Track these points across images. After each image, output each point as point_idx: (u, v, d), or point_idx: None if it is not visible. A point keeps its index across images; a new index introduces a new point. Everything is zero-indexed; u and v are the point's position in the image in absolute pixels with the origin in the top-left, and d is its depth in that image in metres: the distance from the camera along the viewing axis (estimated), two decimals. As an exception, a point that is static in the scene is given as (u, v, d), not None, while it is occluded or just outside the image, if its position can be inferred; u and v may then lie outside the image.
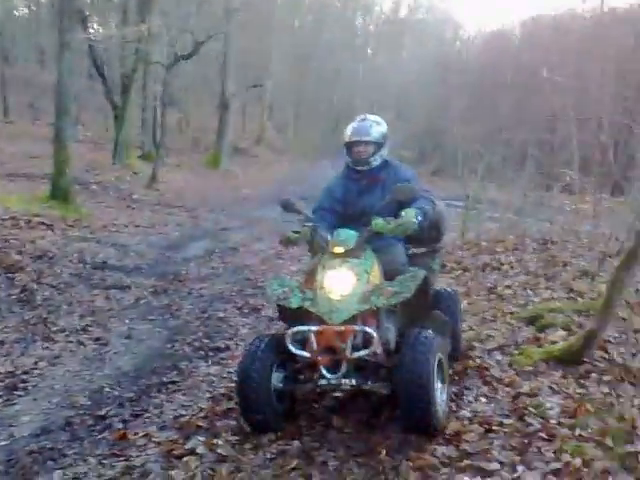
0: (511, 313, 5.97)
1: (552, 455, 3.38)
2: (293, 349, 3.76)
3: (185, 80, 32.49)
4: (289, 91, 45.42)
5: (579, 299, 6.15)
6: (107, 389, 4.92)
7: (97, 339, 6.06)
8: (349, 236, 3.96)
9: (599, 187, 7.73)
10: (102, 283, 7.90)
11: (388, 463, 3.49)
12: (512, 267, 7.68)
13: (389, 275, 3.99)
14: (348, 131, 4.35)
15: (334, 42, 49.10)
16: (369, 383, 3.81)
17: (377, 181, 4.36)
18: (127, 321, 6.59)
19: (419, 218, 3.96)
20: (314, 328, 3.74)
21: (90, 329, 6.32)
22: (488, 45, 48.05)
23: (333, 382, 3.75)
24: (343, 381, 3.74)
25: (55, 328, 6.27)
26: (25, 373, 5.21)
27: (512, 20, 55.18)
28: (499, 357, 4.90)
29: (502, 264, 7.84)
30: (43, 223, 10.55)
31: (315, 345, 3.71)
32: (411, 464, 3.45)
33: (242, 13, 25.44)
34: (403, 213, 3.95)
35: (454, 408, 4.07)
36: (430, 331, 3.86)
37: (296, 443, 3.78)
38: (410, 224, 3.92)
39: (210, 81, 33.63)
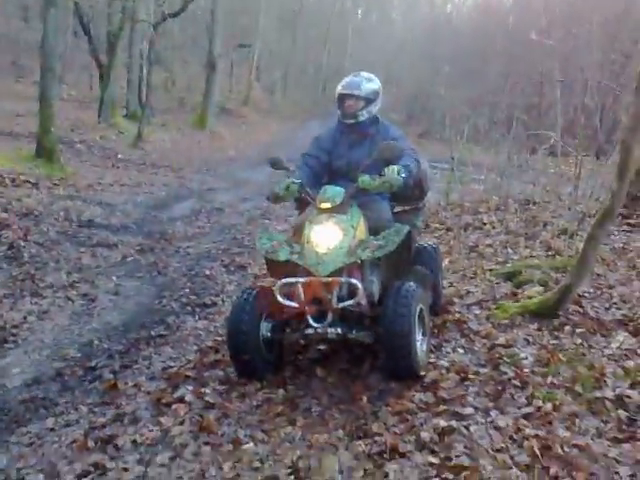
0: (490, 270, 6.12)
1: (524, 401, 3.55)
2: (282, 300, 3.90)
3: (172, 39, 32.10)
4: (277, 52, 44.93)
5: (557, 257, 6.31)
6: (96, 342, 5.04)
7: (85, 295, 6.14)
8: (335, 192, 4.08)
9: (583, 150, 7.81)
10: (88, 241, 7.94)
11: (368, 409, 3.65)
12: (494, 227, 7.83)
13: (374, 231, 4.12)
14: (340, 84, 4.47)
15: (323, 3, 48.47)
16: (354, 332, 3.98)
17: (366, 136, 4.46)
18: (114, 278, 6.67)
19: (403, 175, 4.05)
20: (302, 280, 3.87)
21: (77, 285, 6.39)
22: (479, 8, 47.61)
23: (320, 331, 3.91)
24: (329, 330, 3.91)
25: (43, 284, 6.33)
26: (14, 327, 5.30)
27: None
28: (477, 311, 5.06)
29: (484, 224, 7.98)
30: (28, 181, 10.54)
31: (302, 296, 3.86)
32: (390, 409, 3.61)
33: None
34: (388, 170, 4.06)
35: (433, 359, 4.23)
36: (412, 283, 4.00)
37: (281, 391, 3.93)
38: (394, 181, 4.02)
39: (197, 40, 33.25)
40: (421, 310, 3.96)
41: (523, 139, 10.72)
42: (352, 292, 3.86)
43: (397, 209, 4.79)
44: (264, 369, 4.10)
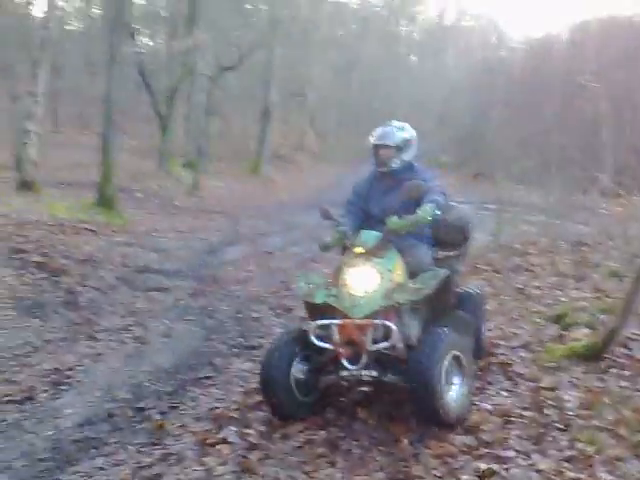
0: (538, 312, 6.06)
1: (566, 443, 3.52)
2: (316, 341, 4.02)
3: (229, 90, 33.07)
4: (331, 98, 45.66)
5: (606, 298, 6.20)
6: (146, 384, 5.17)
7: (137, 338, 6.32)
8: (369, 237, 4.21)
9: (635, 191, 7.73)
10: (143, 285, 8.20)
11: (409, 451, 3.66)
12: (543, 269, 7.75)
13: (414, 275, 4.18)
14: (372, 135, 4.64)
15: (377, 51, 49.19)
16: (389, 375, 4.01)
17: (399, 183, 4.52)
18: (166, 321, 6.86)
19: (436, 212, 4.21)
20: (336, 321, 3.99)
21: (131, 328, 6.59)
22: (533, 51, 47.52)
23: (354, 373, 3.97)
24: (363, 372, 3.96)
25: (98, 328, 6.56)
26: (69, 369, 5.45)
27: (560, 25, 54.45)
28: (523, 354, 5.03)
29: (533, 265, 7.91)
30: (88, 229, 10.97)
31: (337, 337, 3.96)
32: (431, 452, 3.61)
33: (286, 25, 25.79)
34: (419, 211, 4.18)
35: (476, 401, 4.21)
36: (446, 329, 4.03)
37: (322, 433, 3.98)
38: (422, 219, 4.17)
39: (253, 90, 34.15)
40: (456, 356, 3.94)
41: (574, 180, 10.63)
42: (387, 334, 3.93)
43: (440, 255, 4.81)
44: (297, 411, 4.15)
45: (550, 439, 3.60)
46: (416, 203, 4.28)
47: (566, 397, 4.06)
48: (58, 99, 30.86)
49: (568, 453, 3.41)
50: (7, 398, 4.79)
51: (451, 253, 4.88)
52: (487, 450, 3.56)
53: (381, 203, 4.59)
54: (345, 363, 3.97)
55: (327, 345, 4.01)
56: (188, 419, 4.44)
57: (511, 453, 3.50)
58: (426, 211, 4.17)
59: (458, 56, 59.28)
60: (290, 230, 13.89)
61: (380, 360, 4.02)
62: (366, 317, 3.94)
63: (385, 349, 3.94)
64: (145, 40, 36.26)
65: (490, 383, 4.55)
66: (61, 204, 12.86)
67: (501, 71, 44.47)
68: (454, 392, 3.89)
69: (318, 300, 4.14)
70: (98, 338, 6.28)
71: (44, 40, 13.95)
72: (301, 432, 4.01)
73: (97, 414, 4.62)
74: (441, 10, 59.63)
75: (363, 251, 4.14)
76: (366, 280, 4.05)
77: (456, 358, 3.93)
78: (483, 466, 3.36)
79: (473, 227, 5.08)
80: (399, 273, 4.16)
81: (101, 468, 3.86)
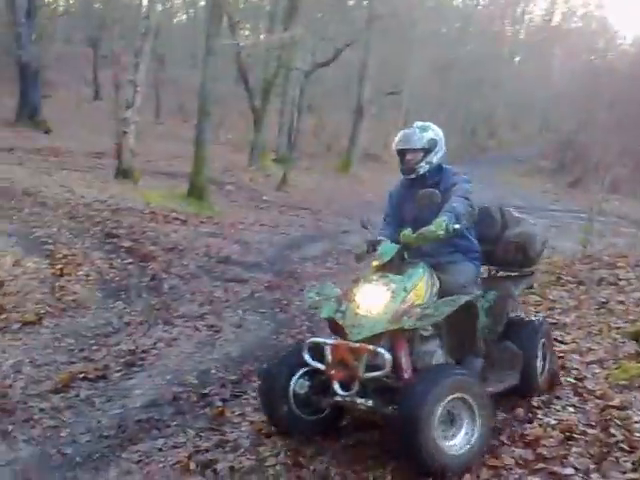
0: (618, 328, 5.80)
1: (630, 465, 3.39)
2: (309, 359, 3.78)
3: (323, 86, 33.32)
4: (427, 96, 45.10)
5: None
6: (213, 371, 5.31)
7: (211, 326, 6.49)
8: (388, 250, 3.92)
9: None
10: (223, 276, 8.40)
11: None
12: (630, 283, 7.37)
13: (449, 295, 3.82)
14: (395, 140, 4.27)
15: (478, 51, 48.13)
16: (390, 409, 3.61)
17: (429, 188, 4.15)
18: (240, 312, 7.00)
19: (450, 224, 3.78)
20: (329, 341, 3.75)
21: (206, 317, 6.77)
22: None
23: (347, 400, 3.68)
24: (358, 400, 3.66)
25: (176, 314, 6.78)
26: (144, 352, 5.70)
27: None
28: (596, 370, 4.85)
29: (619, 280, 7.55)
30: (178, 218, 11.40)
31: (330, 358, 3.68)
32: (485, 463, 3.54)
33: (384, 20, 25.62)
34: (432, 224, 3.81)
35: (540, 415, 4.09)
36: (455, 364, 3.83)
37: (376, 433, 3.97)
38: (431, 233, 3.78)
39: (347, 87, 34.26)
40: (463, 399, 3.48)
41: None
42: (381, 363, 3.56)
43: (494, 273, 4.60)
44: (296, 427, 3.94)
45: (613, 460, 3.45)
46: (437, 210, 3.93)
47: (636, 418, 3.88)
48: (161, 90, 32.07)
49: (631, 476, 3.27)
50: (82, 375, 5.06)
51: (508, 274, 4.58)
52: (544, 465, 3.46)
53: (414, 212, 4.19)
54: (336, 387, 3.66)
55: (319, 365, 3.74)
56: (248, 408, 4.54)
57: (569, 470, 3.39)
58: (439, 224, 3.75)
59: (564, 58, 57.21)
60: (373, 228, 13.82)
61: (382, 389, 3.70)
62: (367, 340, 3.60)
63: (382, 378, 3.60)
64: (246, 34, 37.07)
65: (558, 397, 4.41)
66: (155, 193, 13.39)
67: (608, 75, 42.62)
68: (456, 441, 3.48)
69: (324, 314, 3.90)
70: (175, 324, 6.50)
71: (147, 29, 14.47)
72: (354, 432, 4.02)
73: (163, 396, 4.78)
74: (548, 10, 57.81)
75: (377, 264, 3.87)
76: (374, 299, 3.71)
77: (463, 400, 3.49)
78: (538, 481, 3.27)
79: (539, 246, 4.58)
80: (419, 293, 3.79)
81: (160, 449, 4.01)
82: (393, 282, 3.76)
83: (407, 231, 3.93)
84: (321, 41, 22.91)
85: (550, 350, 4.61)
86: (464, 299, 3.72)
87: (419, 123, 4.29)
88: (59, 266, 7.66)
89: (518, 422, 4.06)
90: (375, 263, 3.89)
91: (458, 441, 3.48)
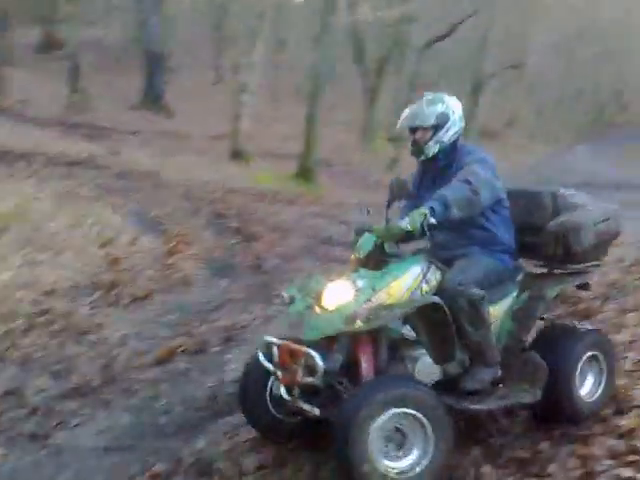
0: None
1: None
2: (261, 358, 3.55)
3: (439, 61, 32.60)
4: (551, 71, 43.05)
5: None
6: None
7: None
8: (366, 243, 3.52)
9: None
10: (325, 257, 8.52)
11: (549, 450, 3.53)
12: None
13: (440, 294, 3.41)
14: (400, 119, 3.74)
15: (608, 22, 45.14)
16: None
17: (444, 170, 3.70)
18: (337, 293, 7.12)
19: (426, 220, 3.22)
20: (277, 341, 3.50)
21: (304, 297, 6.96)
22: None
23: (293, 404, 3.42)
24: (304, 406, 3.37)
25: (275, 293, 6.95)
26: (242, 327, 5.94)
27: None
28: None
29: None
30: (285, 199, 11.70)
31: (276, 360, 3.47)
32: (573, 452, 3.47)
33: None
34: (409, 215, 3.32)
35: (636, 404, 3.89)
36: (463, 374, 3.45)
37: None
38: (395, 229, 3.35)
39: (466, 62, 33.34)
40: (412, 415, 3.03)
41: None
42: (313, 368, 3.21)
43: (531, 269, 3.96)
44: (275, 429, 3.71)
45: None
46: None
47: None
48: (280, 72, 32.58)
49: None
50: (182, 348, 5.38)
51: (546, 271, 3.91)
52: (637, 458, 3.31)
53: (427, 197, 3.52)
54: (282, 390, 3.42)
55: (269, 365, 3.49)
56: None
57: (664, 465, 3.24)
58: (414, 219, 3.22)
59: None
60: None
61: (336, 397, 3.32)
62: (324, 341, 3.27)
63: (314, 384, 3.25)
64: (365, 10, 36.69)
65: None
66: (266, 174, 13.82)
67: None
68: (401, 464, 3.06)
69: (290, 310, 3.55)
70: (273, 302, 6.69)
71: (263, 10, 14.77)
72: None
73: (255, 372, 5.01)
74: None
75: (353, 258, 3.54)
76: (335, 297, 3.29)
77: (414, 417, 3.04)
78: (627, 473, 3.17)
79: (587, 238, 3.69)
80: (392, 293, 3.30)
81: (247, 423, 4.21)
82: (362, 279, 3.34)
83: (380, 225, 3.53)
84: (438, 14, 22.33)
85: (610, 371, 3.89)
86: (428, 300, 3.31)
87: (429, 95, 3.73)
88: (171, 244, 8.12)
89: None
90: (352, 257, 3.56)
91: (404, 464, 3.07)
